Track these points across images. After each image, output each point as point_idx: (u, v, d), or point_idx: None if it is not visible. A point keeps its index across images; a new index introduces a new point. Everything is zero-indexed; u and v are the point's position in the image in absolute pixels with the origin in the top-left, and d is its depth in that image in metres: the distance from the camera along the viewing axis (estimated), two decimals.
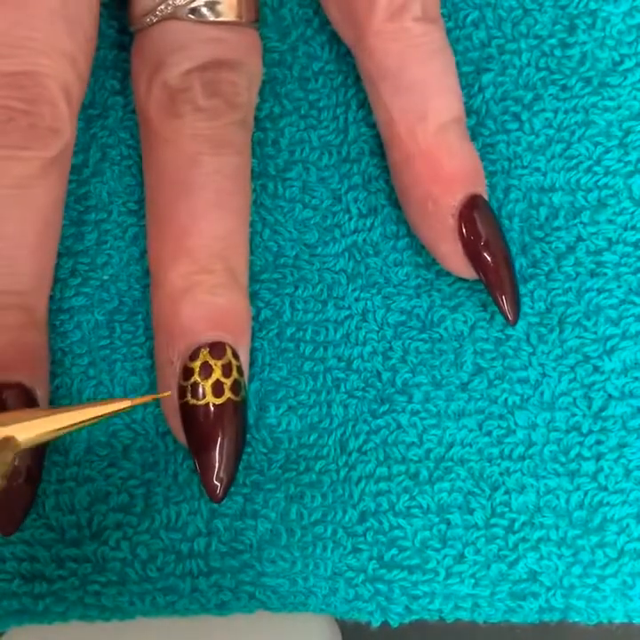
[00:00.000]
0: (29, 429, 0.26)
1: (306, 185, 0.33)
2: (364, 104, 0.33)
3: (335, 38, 0.33)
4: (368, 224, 0.33)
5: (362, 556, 0.31)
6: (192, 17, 0.30)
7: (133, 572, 0.31)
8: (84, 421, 0.26)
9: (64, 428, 0.26)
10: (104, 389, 0.32)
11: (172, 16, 0.30)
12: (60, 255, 0.32)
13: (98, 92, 0.33)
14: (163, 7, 0.30)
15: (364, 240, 0.33)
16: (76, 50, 0.29)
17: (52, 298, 0.32)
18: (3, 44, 0.28)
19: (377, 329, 0.33)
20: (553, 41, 0.34)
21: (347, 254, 0.33)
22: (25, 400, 0.29)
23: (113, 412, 0.26)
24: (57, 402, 0.32)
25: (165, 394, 0.29)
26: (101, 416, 0.26)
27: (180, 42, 0.30)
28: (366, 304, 0.33)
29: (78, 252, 0.33)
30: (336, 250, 0.33)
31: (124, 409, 0.26)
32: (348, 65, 0.34)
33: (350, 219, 0.33)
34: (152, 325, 0.31)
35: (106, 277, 0.33)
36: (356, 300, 0.33)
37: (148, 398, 0.27)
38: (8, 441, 0.25)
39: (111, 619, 0.31)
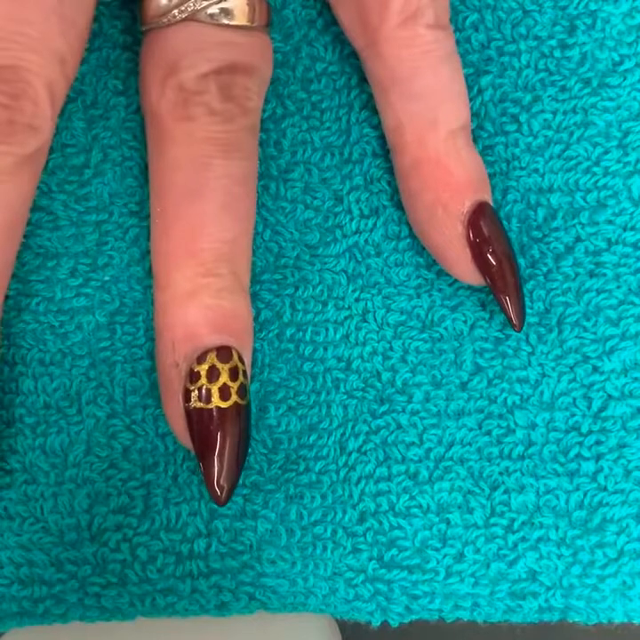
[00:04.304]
0: None
1: (308, 186, 0.32)
2: (367, 105, 0.32)
3: (338, 39, 0.32)
4: (370, 225, 0.32)
5: (362, 556, 0.30)
6: (209, 19, 0.28)
7: (133, 573, 0.29)
8: None
9: None
10: (104, 391, 0.30)
11: (190, 17, 0.28)
12: (60, 255, 0.31)
13: (100, 93, 0.31)
14: (183, 8, 0.28)
15: (366, 241, 0.31)
16: (66, 50, 0.27)
17: (51, 299, 0.30)
18: None
19: (377, 329, 0.31)
20: (552, 42, 0.32)
21: (348, 255, 0.31)
22: None
23: None
24: (56, 405, 0.30)
25: None
26: None
27: (197, 43, 0.28)
28: (366, 304, 0.31)
29: (78, 252, 0.31)
30: (337, 250, 0.31)
31: None
32: (351, 66, 0.32)
33: (352, 219, 0.32)
34: (154, 327, 0.29)
35: (107, 278, 0.31)
36: (356, 300, 0.31)
37: None
38: None
39: (111, 620, 0.29)
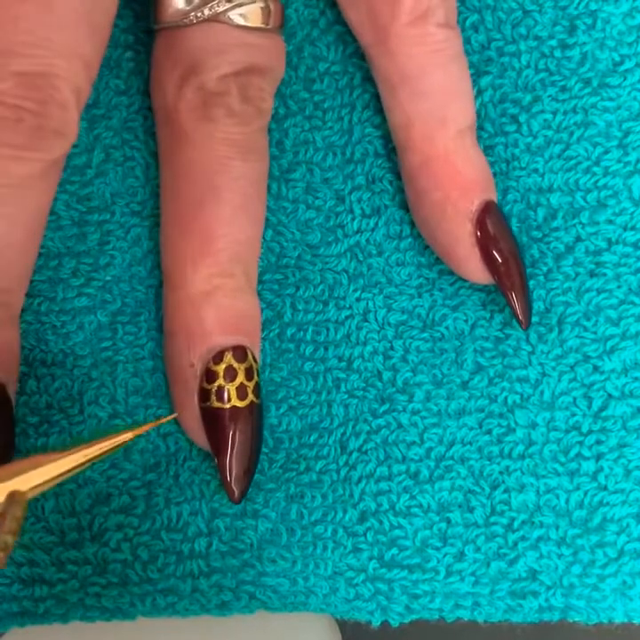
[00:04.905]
0: (33, 479, 0.23)
1: (309, 186, 0.31)
2: (369, 105, 0.31)
3: (341, 39, 0.31)
4: (371, 224, 0.31)
5: (362, 555, 0.30)
6: (229, 21, 0.28)
7: (134, 573, 0.29)
8: (85, 463, 0.24)
9: (68, 471, 0.23)
10: (106, 391, 0.30)
11: (212, 18, 0.28)
12: (61, 255, 0.30)
13: (102, 92, 0.31)
14: (205, 9, 0.28)
15: (367, 240, 0.31)
16: (92, 54, 0.27)
17: (53, 299, 0.30)
18: (24, 42, 0.25)
19: (378, 328, 0.31)
20: (553, 42, 0.32)
21: (349, 254, 0.31)
22: None
23: (116, 446, 0.24)
24: (58, 405, 0.30)
25: (169, 417, 0.28)
26: (104, 453, 0.24)
27: (218, 45, 0.28)
28: (367, 304, 0.31)
29: (80, 252, 0.30)
30: (338, 250, 0.31)
31: (126, 442, 0.24)
32: (353, 66, 0.32)
33: (353, 219, 0.31)
34: (164, 326, 0.29)
35: (108, 278, 0.30)
36: (358, 299, 0.31)
37: (150, 425, 0.25)
38: (14, 496, 0.23)
39: (112, 619, 0.29)
